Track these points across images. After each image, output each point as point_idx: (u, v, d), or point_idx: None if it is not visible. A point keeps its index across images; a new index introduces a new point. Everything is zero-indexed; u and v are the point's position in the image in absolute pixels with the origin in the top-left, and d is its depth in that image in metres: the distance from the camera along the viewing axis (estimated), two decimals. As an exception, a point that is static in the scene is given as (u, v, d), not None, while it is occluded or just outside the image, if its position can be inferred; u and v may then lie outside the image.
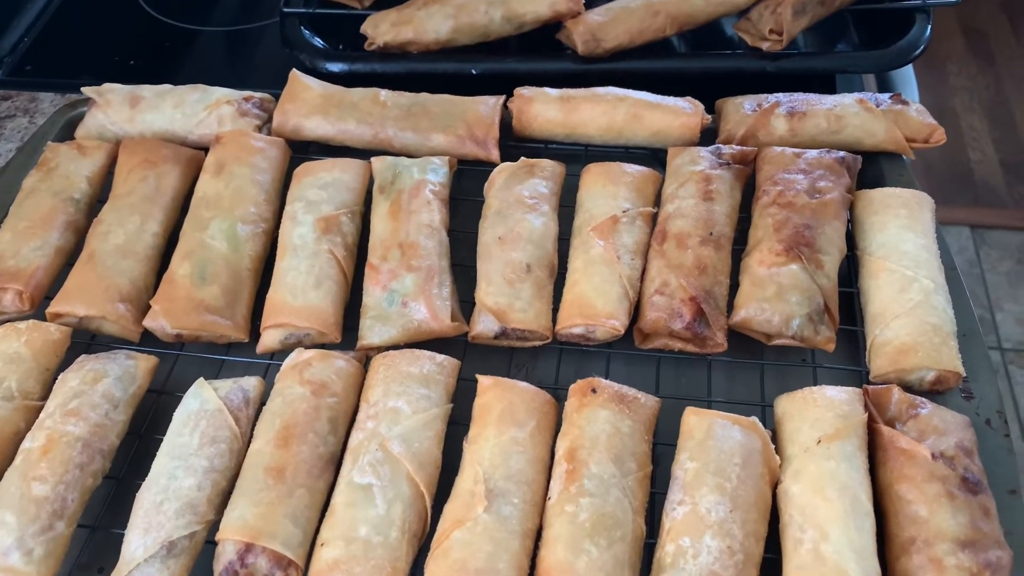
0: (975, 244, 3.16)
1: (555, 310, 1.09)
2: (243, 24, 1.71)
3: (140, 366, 1.04)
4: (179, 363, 1.11)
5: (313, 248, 1.11)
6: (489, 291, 1.08)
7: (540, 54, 1.43)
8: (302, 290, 1.08)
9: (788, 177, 1.14)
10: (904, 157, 1.25)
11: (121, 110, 1.29)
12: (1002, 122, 3.52)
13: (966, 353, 1.02)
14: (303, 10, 1.48)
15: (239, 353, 1.11)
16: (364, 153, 1.27)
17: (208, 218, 1.15)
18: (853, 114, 1.22)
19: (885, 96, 1.25)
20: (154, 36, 1.68)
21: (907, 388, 0.99)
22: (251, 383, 1.02)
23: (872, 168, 1.25)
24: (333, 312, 1.07)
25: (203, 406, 0.97)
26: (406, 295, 1.07)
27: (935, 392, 1.01)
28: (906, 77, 1.61)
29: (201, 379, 1.01)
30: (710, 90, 1.33)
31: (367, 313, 1.07)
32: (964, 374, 0.99)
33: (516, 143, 1.31)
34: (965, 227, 3.22)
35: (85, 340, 1.13)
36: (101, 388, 0.99)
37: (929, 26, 1.39)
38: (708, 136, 1.28)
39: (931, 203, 1.14)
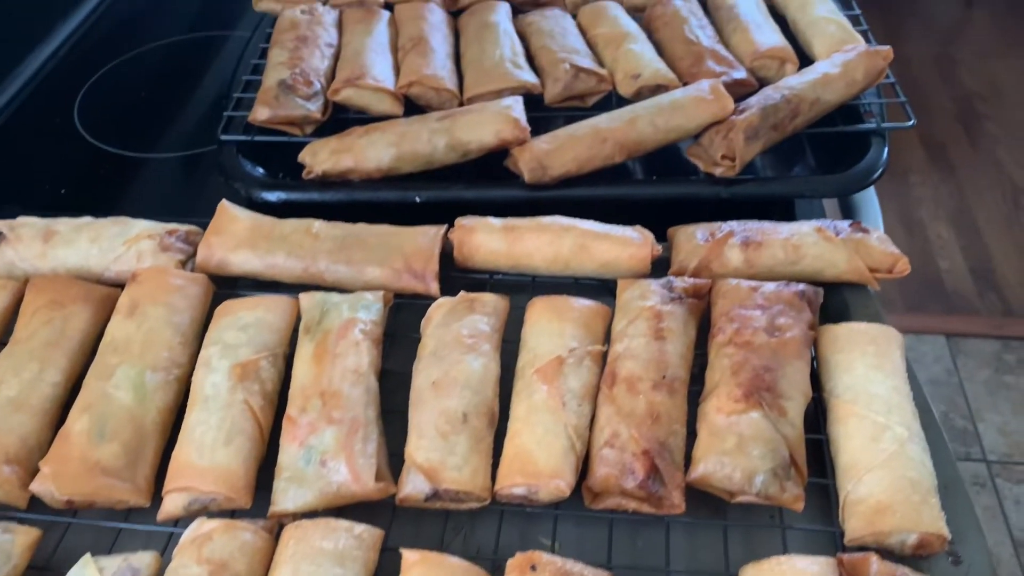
0: (951, 353, 3.13)
1: (496, 464, 0.98)
2: (185, 151, 1.64)
3: (18, 541, 0.91)
4: (70, 532, 0.98)
5: (226, 399, 1.00)
6: (420, 445, 0.97)
7: (487, 181, 1.37)
8: (210, 448, 0.96)
9: (745, 313, 1.06)
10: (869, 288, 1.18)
11: (32, 245, 1.20)
12: (967, 230, 3.55)
13: (949, 508, 0.92)
14: (242, 137, 1.42)
15: (140, 520, 0.98)
16: (296, 289, 1.18)
17: (114, 365, 1.04)
18: (811, 244, 1.16)
19: (845, 224, 1.18)
20: (91, 164, 1.61)
21: (887, 552, 0.88)
22: (144, 560, 0.89)
23: (836, 298, 1.17)
24: (243, 474, 0.96)
25: (82, 593, 0.84)
26: (325, 452, 0.95)
27: (919, 556, 0.90)
28: (868, 197, 1.57)
29: (87, 556, 0.88)
30: (666, 216, 1.27)
31: (281, 474, 0.96)
32: (949, 536, 0.89)
33: (460, 273, 1.23)
34: (940, 336, 3.19)
35: (-36, 508, 1.00)
36: (-34, 572, 0.86)
37: (886, 148, 1.36)
38: (662, 265, 1.21)
39: (900, 339, 1.06)
